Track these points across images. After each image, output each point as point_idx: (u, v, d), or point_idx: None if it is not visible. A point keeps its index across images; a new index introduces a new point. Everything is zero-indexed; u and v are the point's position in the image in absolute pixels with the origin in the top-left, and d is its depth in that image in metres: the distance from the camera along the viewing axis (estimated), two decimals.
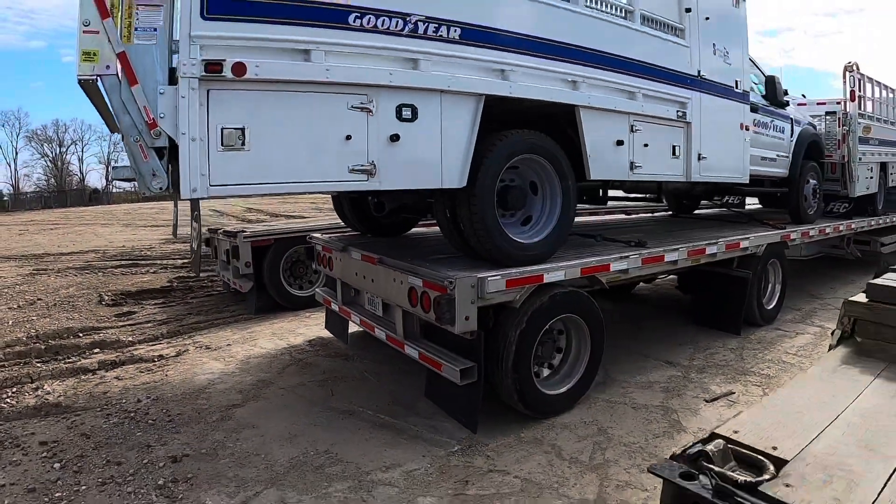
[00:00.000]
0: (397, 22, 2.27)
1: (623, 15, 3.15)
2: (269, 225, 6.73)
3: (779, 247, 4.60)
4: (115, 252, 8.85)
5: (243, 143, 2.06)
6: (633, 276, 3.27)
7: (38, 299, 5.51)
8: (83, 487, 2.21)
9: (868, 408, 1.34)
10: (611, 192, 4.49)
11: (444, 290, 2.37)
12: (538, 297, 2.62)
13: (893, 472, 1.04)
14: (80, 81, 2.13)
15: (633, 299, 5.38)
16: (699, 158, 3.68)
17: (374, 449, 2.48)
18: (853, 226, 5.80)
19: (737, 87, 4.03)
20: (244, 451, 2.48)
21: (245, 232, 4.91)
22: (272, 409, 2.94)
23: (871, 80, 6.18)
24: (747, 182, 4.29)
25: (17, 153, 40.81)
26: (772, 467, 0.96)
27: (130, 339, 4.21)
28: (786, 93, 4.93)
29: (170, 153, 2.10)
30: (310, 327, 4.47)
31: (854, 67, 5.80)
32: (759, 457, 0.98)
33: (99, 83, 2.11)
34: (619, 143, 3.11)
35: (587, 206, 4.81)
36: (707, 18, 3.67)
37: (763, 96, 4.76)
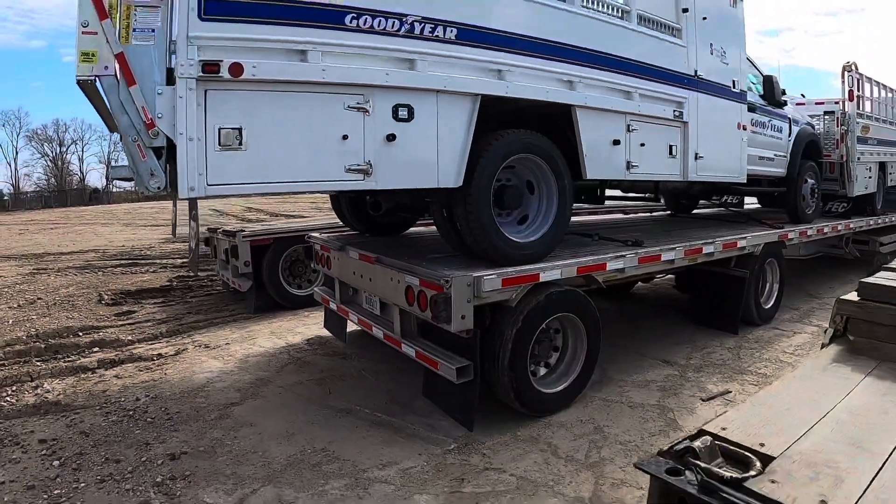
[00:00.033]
0: (393, 22, 2.28)
1: (620, 15, 3.16)
2: (268, 224, 6.74)
3: (776, 246, 4.61)
4: (115, 251, 8.87)
5: (240, 143, 2.07)
6: (630, 275, 3.29)
7: (38, 298, 5.53)
8: (82, 485, 2.23)
9: (857, 405, 1.35)
10: (609, 192, 4.51)
11: (440, 289, 2.38)
12: (534, 296, 2.63)
13: (880, 469, 1.05)
14: (78, 82, 2.15)
15: (631, 298, 5.40)
16: (696, 158, 3.69)
17: (370, 447, 2.50)
18: (851, 225, 5.80)
19: (734, 87, 4.03)
20: (242, 448, 2.50)
21: (244, 231, 4.92)
22: (270, 408, 2.95)
23: (869, 79, 6.18)
24: (744, 182, 4.30)
25: (17, 153, 40.91)
26: (758, 464, 0.97)
27: (130, 338, 4.23)
28: (783, 92, 4.94)
29: (168, 153, 2.12)
30: (308, 326, 4.49)
31: (853, 67, 5.80)
32: (746, 453, 0.99)
33: (97, 83, 2.13)
34: (616, 142, 3.12)
35: (585, 205, 4.83)
36: (704, 18, 3.68)
37: (761, 96, 4.77)
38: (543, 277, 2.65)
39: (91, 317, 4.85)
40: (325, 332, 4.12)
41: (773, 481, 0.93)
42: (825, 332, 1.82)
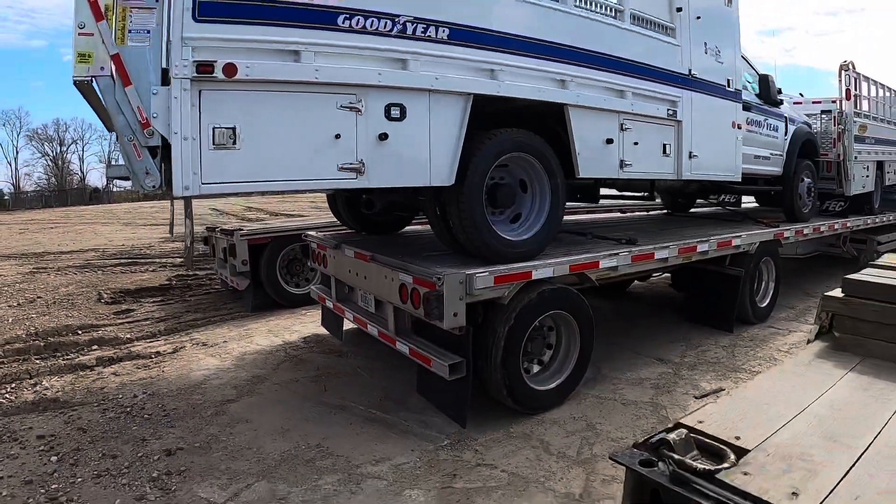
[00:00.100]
0: (386, 23, 2.30)
1: (613, 14, 3.18)
2: (266, 223, 6.78)
3: (772, 245, 4.62)
4: (115, 251, 8.91)
5: (234, 142, 2.10)
6: (623, 273, 3.30)
7: (38, 297, 5.57)
8: (79, 480, 2.26)
9: (837, 400, 1.37)
10: (605, 191, 4.53)
11: (432, 287, 2.40)
12: (527, 294, 2.65)
13: (855, 463, 1.07)
14: (75, 82, 2.18)
15: (627, 297, 5.41)
16: (690, 157, 3.71)
17: (364, 443, 2.52)
18: (848, 224, 5.81)
19: (729, 86, 4.05)
20: (237, 444, 2.53)
21: (242, 230, 4.95)
22: (266, 404, 2.98)
23: (867, 78, 6.18)
24: (739, 180, 4.31)
25: (17, 152, 40.94)
26: (733, 456, 0.99)
27: (128, 336, 4.26)
28: (780, 91, 4.95)
29: (163, 152, 2.14)
30: (305, 324, 4.51)
31: (850, 66, 5.80)
32: (721, 446, 1.01)
33: (94, 84, 2.16)
34: (609, 141, 3.14)
35: (582, 204, 4.84)
36: (698, 17, 3.69)
37: (757, 95, 4.78)
38: (536, 275, 2.67)
39: (90, 315, 4.88)
40: (322, 330, 4.15)
41: (745, 473, 0.95)
42: (811, 329, 1.84)
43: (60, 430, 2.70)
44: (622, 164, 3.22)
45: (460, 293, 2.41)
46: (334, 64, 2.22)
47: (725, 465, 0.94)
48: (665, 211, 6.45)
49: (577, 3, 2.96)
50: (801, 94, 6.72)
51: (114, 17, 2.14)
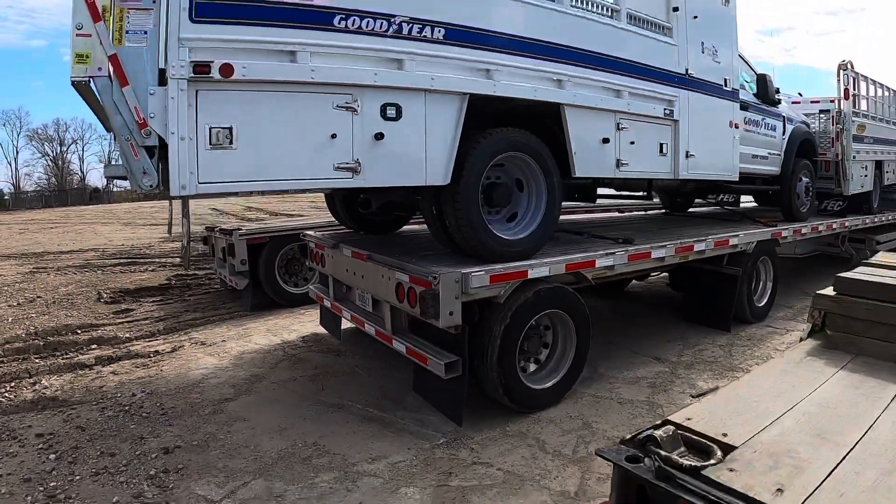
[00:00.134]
0: (382, 23, 2.31)
1: (609, 14, 3.18)
2: (265, 223, 6.79)
3: (770, 244, 4.63)
4: (115, 250, 8.93)
5: (231, 142, 2.11)
6: (620, 272, 3.31)
7: (38, 297, 5.59)
8: (77, 477, 2.27)
9: (827, 398, 1.37)
10: (603, 191, 4.54)
11: (428, 286, 2.41)
12: (522, 293, 2.66)
13: (842, 460, 1.08)
14: (73, 83, 2.19)
15: (625, 297, 5.42)
16: (687, 156, 3.72)
17: (360, 441, 2.54)
18: (847, 224, 5.81)
19: (726, 86, 4.05)
20: (234, 442, 2.54)
21: (241, 230, 4.97)
22: (263, 403, 3.00)
23: (865, 78, 6.18)
24: (737, 179, 4.32)
25: (17, 152, 40.99)
26: (719, 453, 0.99)
27: (127, 335, 4.28)
28: (777, 91, 4.95)
29: (160, 152, 2.16)
30: (304, 324, 4.53)
31: (848, 66, 5.80)
32: (708, 442, 1.02)
33: (92, 84, 2.17)
34: (605, 140, 3.15)
35: (581, 204, 4.85)
36: (695, 17, 3.70)
37: (754, 94, 4.78)
38: (532, 274, 2.69)
39: (90, 315, 4.90)
40: (321, 330, 4.16)
41: (731, 470, 0.96)
42: (804, 327, 1.85)
43: (59, 428, 2.72)
44: (618, 164, 3.23)
45: (456, 292, 2.42)
46: (330, 64, 2.23)
47: (712, 461, 0.95)
48: (663, 211, 6.46)
49: (574, 3, 2.97)
50: (799, 94, 6.72)
51: (111, 18, 2.16)
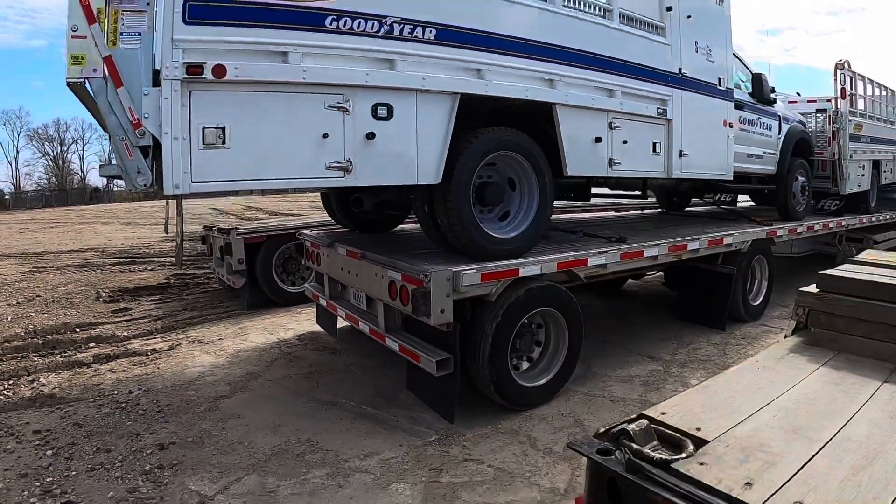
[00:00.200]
0: (373, 24, 2.34)
1: (602, 14, 3.20)
2: (263, 222, 6.82)
3: (765, 243, 4.64)
4: (114, 250, 8.98)
5: (224, 142, 2.14)
6: (613, 271, 3.33)
7: (37, 296, 5.63)
8: (73, 473, 2.30)
9: (806, 394, 1.39)
10: (600, 190, 4.55)
11: (420, 284, 2.44)
12: (514, 291, 2.69)
13: (814, 455, 1.09)
14: (69, 84, 2.23)
15: (621, 295, 5.44)
16: (681, 155, 3.73)
17: (353, 438, 2.56)
18: (843, 223, 5.82)
19: (720, 85, 4.06)
20: (229, 439, 2.57)
21: (238, 229, 5.00)
22: (258, 400, 3.03)
23: (862, 77, 6.17)
24: (731, 179, 4.33)
25: (18, 152, 41.05)
26: (691, 447, 1.01)
27: (125, 333, 4.31)
28: (773, 90, 4.96)
29: (154, 151, 2.19)
30: (300, 322, 4.56)
31: (845, 65, 5.80)
32: (681, 436, 1.04)
33: (87, 85, 2.20)
34: (598, 139, 3.16)
35: (578, 203, 4.87)
36: (689, 17, 3.71)
37: (750, 94, 4.79)
38: (523, 272, 2.71)
39: (88, 314, 4.94)
40: (317, 328, 4.19)
41: (701, 463, 0.97)
42: (789, 325, 1.86)
43: (56, 425, 2.75)
44: (611, 163, 3.25)
45: (447, 290, 2.44)
46: (322, 64, 2.25)
47: (683, 455, 0.97)
48: (660, 210, 6.47)
49: (566, 3, 2.98)
50: (798, 94, 6.72)
51: (106, 19, 2.18)
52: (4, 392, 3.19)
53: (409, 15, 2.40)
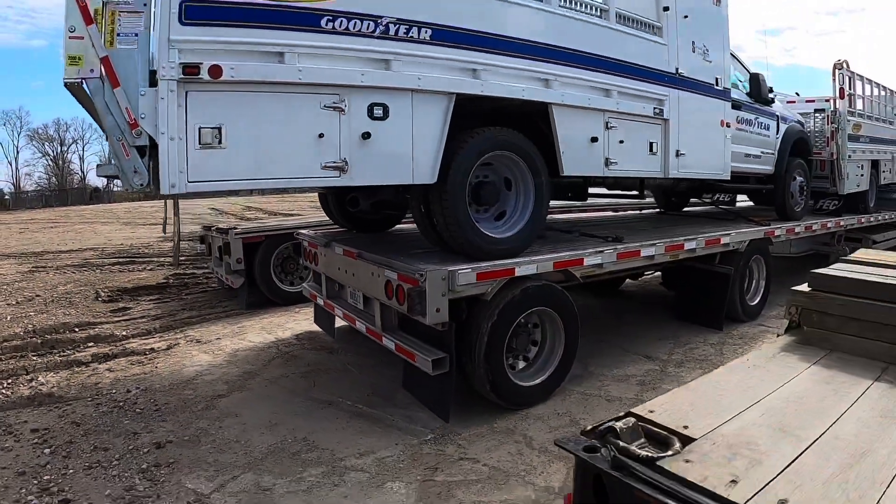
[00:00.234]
0: (369, 24, 2.34)
1: (598, 14, 3.20)
2: (261, 222, 6.84)
3: (762, 243, 4.64)
4: (114, 249, 8.99)
5: (220, 142, 2.15)
6: (609, 270, 3.34)
7: (37, 296, 5.65)
8: (70, 471, 2.32)
9: (795, 392, 1.40)
10: (598, 190, 4.56)
11: (415, 283, 2.45)
12: (510, 291, 2.69)
13: (801, 454, 1.09)
14: (66, 84, 2.24)
15: (619, 295, 5.45)
16: (677, 155, 3.74)
17: (349, 437, 2.57)
18: (842, 223, 5.82)
19: (717, 85, 4.06)
20: (225, 438, 2.58)
21: (236, 228, 5.01)
22: (255, 400, 3.04)
23: (861, 77, 6.17)
24: (728, 178, 4.33)
25: (18, 152, 41.03)
26: (678, 444, 1.02)
27: (124, 333, 4.32)
28: (771, 90, 4.96)
29: (150, 151, 2.20)
30: (298, 322, 4.57)
31: (843, 65, 5.80)
32: (668, 434, 1.05)
33: (84, 86, 2.21)
34: (594, 139, 3.17)
35: (577, 203, 4.87)
36: (686, 17, 3.71)
37: (748, 94, 4.79)
38: (519, 272, 2.71)
39: (87, 313, 4.95)
40: (315, 328, 4.20)
41: (687, 461, 0.98)
42: (782, 324, 1.87)
43: (54, 423, 2.76)
44: (607, 163, 3.25)
45: (443, 289, 2.45)
46: (318, 65, 2.26)
47: (668, 452, 0.98)
48: (658, 210, 6.47)
49: (562, 3, 2.99)
50: (797, 94, 6.72)
51: (103, 20, 2.20)
52: (3, 391, 3.21)
53: (405, 15, 2.41)
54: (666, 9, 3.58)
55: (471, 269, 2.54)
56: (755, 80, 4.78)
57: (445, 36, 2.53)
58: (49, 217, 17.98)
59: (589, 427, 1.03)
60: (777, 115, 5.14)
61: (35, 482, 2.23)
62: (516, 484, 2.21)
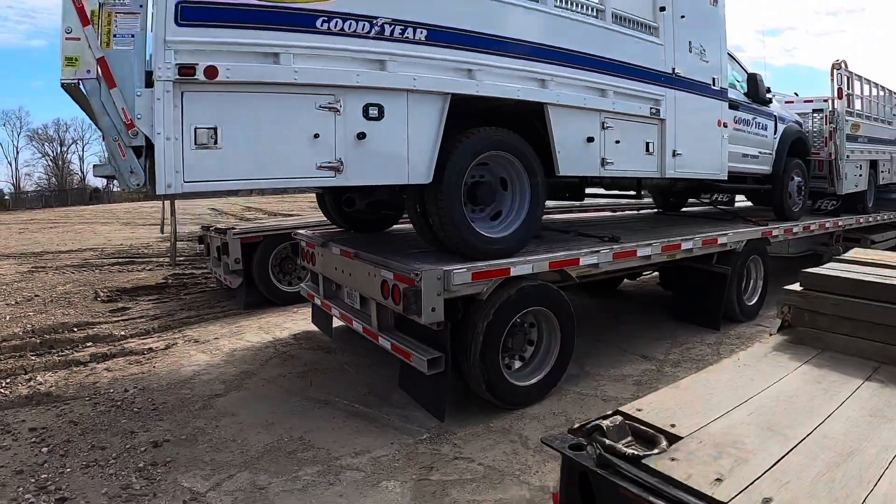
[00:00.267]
0: (364, 25, 2.35)
1: (594, 14, 3.21)
2: (260, 222, 6.85)
3: (760, 243, 4.64)
4: (113, 250, 9.01)
5: (216, 142, 2.16)
6: (606, 270, 3.34)
7: (36, 296, 5.67)
8: (68, 470, 2.33)
9: (786, 392, 1.40)
10: (595, 190, 4.56)
11: (411, 283, 2.46)
12: (506, 290, 2.70)
13: (788, 453, 1.09)
14: (63, 85, 2.25)
15: (617, 295, 5.45)
16: (674, 155, 3.74)
17: (345, 436, 2.58)
18: (840, 223, 5.82)
19: (714, 85, 4.07)
20: (222, 437, 2.59)
21: (234, 229, 5.02)
22: (252, 399, 3.05)
23: (859, 77, 6.17)
24: (725, 178, 4.33)
25: (17, 152, 41.13)
26: (664, 443, 1.03)
27: (122, 333, 4.33)
28: (769, 90, 4.96)
29: (147, 152, 2.21)
30: (296, 322, 4.58)
31: (842, 65, 5.80)
32: (655, 433, 1.05)
33: (81, 86, 2.22)
34: (590, 139, 3.17)
35: (576, 203, 4.87)
36: (682, 17, 3.71)
37: (745, 94, 4.80)
38: (514, 272, 2.72)
39: (86, 313, 4.97)
40: (312, 327, 4.21)
41: (672, 459, 0.98)
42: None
43: (52, 423, 2.77)
44: (603, 163, 3.26)
45: (438, 289, 2.46)
46: (313, 65, 2.27)
47: (655, 451, 0.99)
48: (656, 210, 6.48)
49: (557, 4, 2.99)
50: (795, 94, 6.71)
51: (99, 21, 2.21)
52: (2, 390, 3.22)
53: (400, 16, 2.42)
54: (662, 9, 3.58)
55: (466, 269, 2.54)
56: (753, 80, 4.79)
57: (441, 36, 2.54)
58: (49, 217, 18.01)
59: (576, 425, 1.04)
60: (775, 115, 5.14)
61: (33, 481, 2.24)
62: (511, 483, 2.21)
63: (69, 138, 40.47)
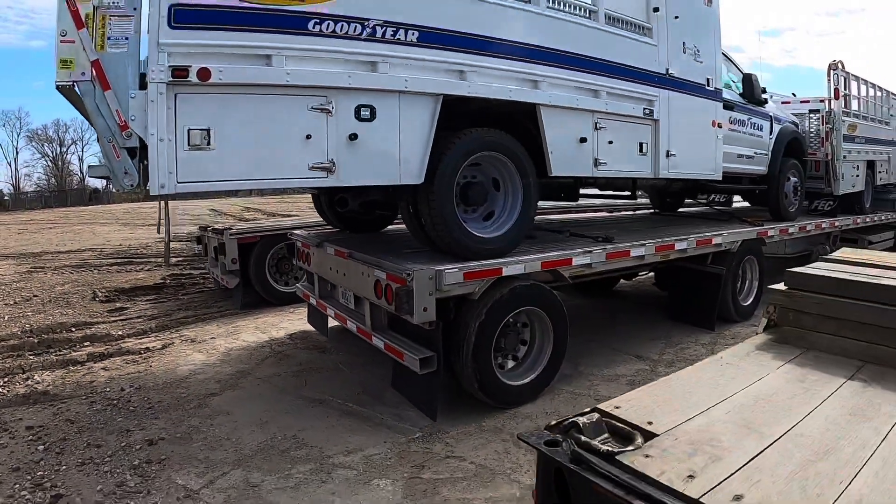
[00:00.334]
0: (356, 27, 2.37)
1: (587, 15, 3.22)
2: (257, 222, 6.87)
3: (755, 243, 4.65)
4: (112, 250, 9.05)
5: (209, 143, 2.19)
6: (599, 270, 3.36)
7: (34, 296, 5.70)
8: (64, 467, 2.35)
9: (765, 390, 1.41)
10: (592, 191, 4.57)
11: (403, 282, 2.47)
12: (498, 290, 2.72)
13: (763, 451, 1.10)
14: (58, 87, 2.28)
15: (613, 296, 5.47)
16: (668, 155, 3.75)
17: (338, 435, 2.60)
18: (837, 223, 5.82)
19: (708, 85, 4.08)
20: (216, 435, 2.62)
21: (231, 229, 5.04)
22: (246, 398, 3.07)
23: (856, 77, 6.17)
24: (720, 179, 4.35)
25: (17, 153, 41.21)
26: (640, 440, 1.04)
27: (120, 332, 4.36)
28: (764, 91, 4.97)
29: (140, 153, 2.23)
30: (293, 322, 4.60)
31: (838, 65, 5.80)
32: (631, 430, 1.07)
33: (76, 88, 2.25)
34: (583, 140, 3.19)
35: (572, 204, 4.89)
36: (676, 17, 3.73)
37: (741, 94, 4.80)
38: (506, 272, 2.74)
39: (84, 313, 5.00)
40: (309, 327, 4.23)
41: (647, 456, 1.00)
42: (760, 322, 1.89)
43: (49, 421, 2.80)
44: (596, 163, 3.27)
45: (430, 289, 2.48)
46: (305, 67, 2.29)
47: (629, 447, 1.00)
48: (653, 210, 6.49)
49: (549, 5, 3.01)
50: (793, 94, 6.72)
51: (94, 24, 2.23)
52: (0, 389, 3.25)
53: (392, 18, 2.44)
54: (656, 9, 3.59)
55: (458, 269, 2.56)
56: (748, 80, 4.80)
57: (432, 38, 2.55)
58: (48, 218, 18.06)
59: (553, 422, 1.06)
60: (770, 116, 5.15)
61: (29, 478, 2.27)
62: (502, 482, 2.23)
63: (69, 139, 40.57)
